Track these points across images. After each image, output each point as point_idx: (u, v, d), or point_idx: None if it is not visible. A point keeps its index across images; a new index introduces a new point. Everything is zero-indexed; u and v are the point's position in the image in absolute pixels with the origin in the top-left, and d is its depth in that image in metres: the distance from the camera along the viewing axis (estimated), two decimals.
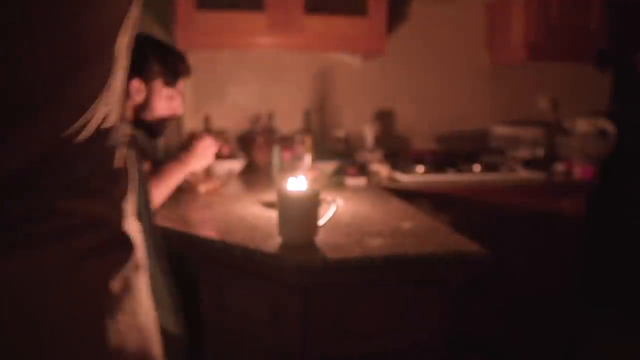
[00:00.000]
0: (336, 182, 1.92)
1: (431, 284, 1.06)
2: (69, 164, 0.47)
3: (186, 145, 1.46)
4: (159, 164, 1.57)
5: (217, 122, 2.40)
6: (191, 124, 2.35)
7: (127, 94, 1.41)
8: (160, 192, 1.31)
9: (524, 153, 2.39)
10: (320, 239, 1.09)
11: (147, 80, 1.42)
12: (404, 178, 2.03)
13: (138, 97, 1.42)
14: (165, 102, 1.46)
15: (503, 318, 2.07)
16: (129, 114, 1.43)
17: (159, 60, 1.43)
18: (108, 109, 0.50)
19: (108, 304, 0.48)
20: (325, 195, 1.10)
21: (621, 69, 2.74)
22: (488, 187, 2.05)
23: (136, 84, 1.41)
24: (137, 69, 1.41)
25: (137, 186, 1.27)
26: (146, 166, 1.69)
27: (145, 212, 1.16)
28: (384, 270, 0.99)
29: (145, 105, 1.43)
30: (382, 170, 2.07)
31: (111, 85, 0.50)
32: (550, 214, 2.11)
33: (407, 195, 1.88)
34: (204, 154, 1.44)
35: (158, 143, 2.20)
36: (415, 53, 2.56)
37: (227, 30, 2.04)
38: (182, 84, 1.51)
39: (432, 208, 1.95)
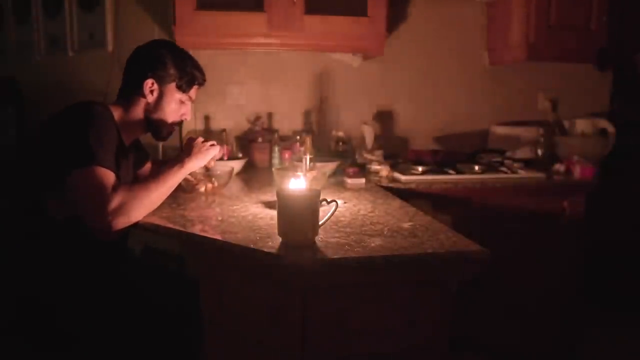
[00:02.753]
0: (336, 182, 1.92)
1: (431, 284, 1.05)
2: None
3: (185, 147, 1.47)
4: (159, 165, 1.57)
5: (217, 122, 2.40)
6: (191, 124, 2.35)
7: (140, 92, 1.42)
8: (160, 193, 1.31)
9: (524, 153, 2.39)
10: (320, 239, 1.09)
11: (161, 81, 1.44)
12: (404, 178, 2.03)
13: (150, 97, 1.44)
14: (176, 105, 1.49)
15: (503, 318, 2.07)
16: (140, 112, 1.44)
17: (176, 64, 1.46)
18: None
19: None
20: (325, 195, 1.10)
21: (621, 69, 2.73)
22: (488, 187, 2.05)
23: (150, 83, 1.43)
24: (153, 69, 1.43)
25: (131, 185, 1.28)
26: (147, 166, 1.70)
27: None
28: (384, 270, 0.99)
29: (156, 105, 1.46)
30: (382, 170, 2.07)
31: None
32: (550, 214, 2.11)
33: (407, 195, 1.88)
34: (202, 156, 1.45)
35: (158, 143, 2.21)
36: (415, 53, 2.56)
37: (227, 30, 2.04)
38: (195, 91, 1.53)
39: (432, 208, 1.95)
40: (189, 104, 1.52)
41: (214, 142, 1.51)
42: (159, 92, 1.45)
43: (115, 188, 1.21)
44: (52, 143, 1.27)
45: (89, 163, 1.20)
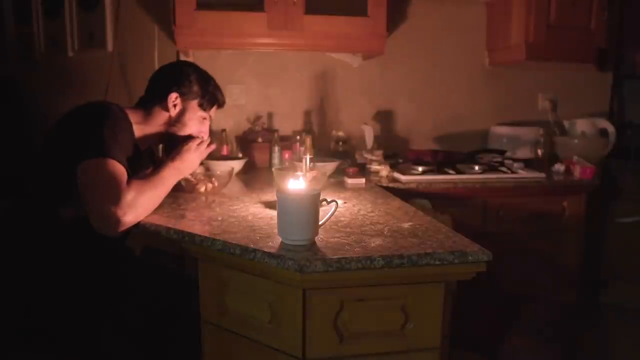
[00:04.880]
0: (336, 182, 1.92)
1: (431, 284, 1.05)
2: None
3: (177, 150, 1.47)
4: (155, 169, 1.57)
5: (217, 122, 2.40)
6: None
7: (163, 104, 1.44)
8: (162, 192, 1.32)
9: (524, 153, 2.39)
10: (320, 239, 1.10)
11: (185, 97, 1.48)
12: (404, 178, 2.03)
13: (173, 110, 1.47)
14: (197, 122, 1.52)
15: (503, 318, 2.07)
16: (160, 123, 1.46)
17: (200, 83, 1.50)
18: None
19: None
20: (325, 195, 1.10)
21: (621, 69, 2.74)
22: (488, 187, 2.05)
23: (174, 97, 1.46)
24: (179, 84, 1.47)
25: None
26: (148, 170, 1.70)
27: None
28: (384, 270, 0.99)
29: (177, 119, 1.48)
30: (382, 170, 2.07)
31: None
32: (550, 214, 2.11)
33: (407, 195, 1.88)
34: (193, 160, 1.47)
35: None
36: (415, 53, 2.56)
37: (227, 30, 2.04)
38: (214, 111, 1.57)
39: (432, 208, 1.95)
40: (207, 122, 1.55)
41: (208, 141, 1.52)
42: (182, 107, 1.48)
43: (128, 183, 1.22)
44: (62, 141, 1.27)
45: (102, 154, 1.20)
